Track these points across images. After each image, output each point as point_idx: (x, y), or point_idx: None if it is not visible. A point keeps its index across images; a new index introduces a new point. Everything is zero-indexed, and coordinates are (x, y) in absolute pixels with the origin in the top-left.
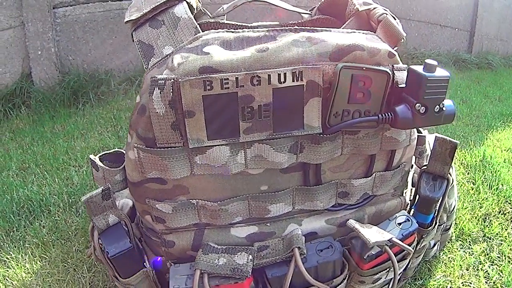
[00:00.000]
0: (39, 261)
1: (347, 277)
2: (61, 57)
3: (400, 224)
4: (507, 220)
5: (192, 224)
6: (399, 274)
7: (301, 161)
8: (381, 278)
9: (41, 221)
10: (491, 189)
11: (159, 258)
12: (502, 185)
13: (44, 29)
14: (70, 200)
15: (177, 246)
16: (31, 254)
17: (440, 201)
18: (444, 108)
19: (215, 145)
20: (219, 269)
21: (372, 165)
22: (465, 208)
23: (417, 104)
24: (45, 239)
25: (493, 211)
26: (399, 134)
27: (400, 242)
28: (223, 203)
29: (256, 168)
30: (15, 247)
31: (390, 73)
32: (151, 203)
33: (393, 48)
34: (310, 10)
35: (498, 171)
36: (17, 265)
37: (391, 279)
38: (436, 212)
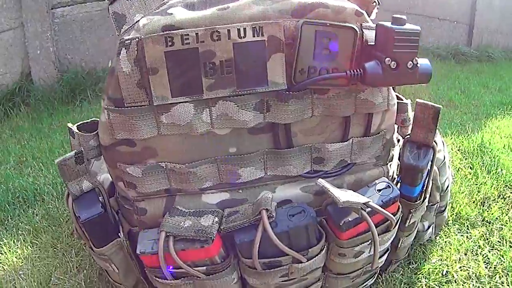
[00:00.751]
0: (30, 247)
1: (324, 248)
2: (60, 56)
3: (379, 190)
4: (507, 205)
5: (163, 189)
6: (386, 251)
7: (268, 120)
8: (363, 252)
9: (35, 209)
10: (489, 173)
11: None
12: (501, 169)
13: (43, 29)
14: (63, 189)
15: (149, 213)
16: (23, 240)
17: (427, 172)
18: (418, 65)
19: (179, 102)
20: (184, 231)
21: (347, 129)
22: (462, 193)
23: (387, 59)
24: (37, 226)
25: (492, 195)
26: (375, 96)
27: (378, 207)
28: (192, 165)
29: (222, 127)
30: (9, 234)
31: (358, 30)
32: (122, 167)
33: (368, 14)
34: None
35: (497, 156)
36: (9, 250)
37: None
38: (425, 186)
